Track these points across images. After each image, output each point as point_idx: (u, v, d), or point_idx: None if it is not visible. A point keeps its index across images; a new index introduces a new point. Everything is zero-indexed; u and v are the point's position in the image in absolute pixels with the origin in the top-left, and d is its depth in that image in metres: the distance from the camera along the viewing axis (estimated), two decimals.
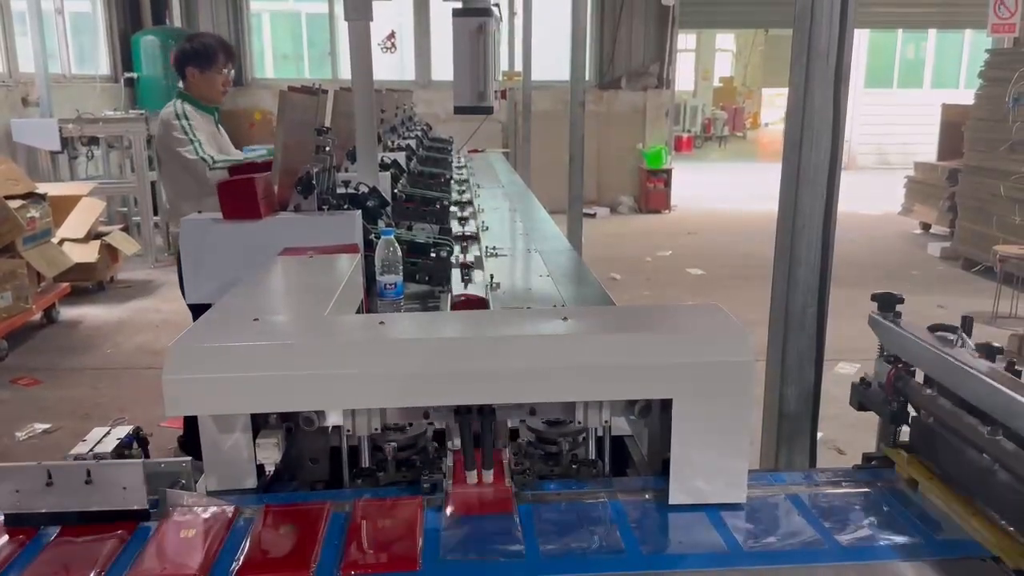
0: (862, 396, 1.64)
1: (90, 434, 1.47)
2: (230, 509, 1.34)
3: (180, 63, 3.96)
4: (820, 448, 2.24)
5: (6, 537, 1.28)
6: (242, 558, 1.21)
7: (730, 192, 13.80)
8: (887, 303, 1.62)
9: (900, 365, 1.55)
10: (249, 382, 1.27)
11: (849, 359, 4.76)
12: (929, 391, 1.47)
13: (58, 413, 4.63)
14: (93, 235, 7.02)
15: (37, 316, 6.12)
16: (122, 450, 1.41)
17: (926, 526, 1.32)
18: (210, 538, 1.26)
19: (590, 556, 1.23)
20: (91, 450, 1.40)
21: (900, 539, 1.28)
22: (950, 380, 1.39)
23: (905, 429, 1.56)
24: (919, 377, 1.54)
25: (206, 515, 1.32)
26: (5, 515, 1.31)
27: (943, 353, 1.40)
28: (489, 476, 1.44)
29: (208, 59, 3.91)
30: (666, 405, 1.37)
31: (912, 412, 1.54)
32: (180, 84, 4.08)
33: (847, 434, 4.16)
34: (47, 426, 4.46)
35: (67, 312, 6.54)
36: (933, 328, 1.51)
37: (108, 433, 1.47)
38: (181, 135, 3.75)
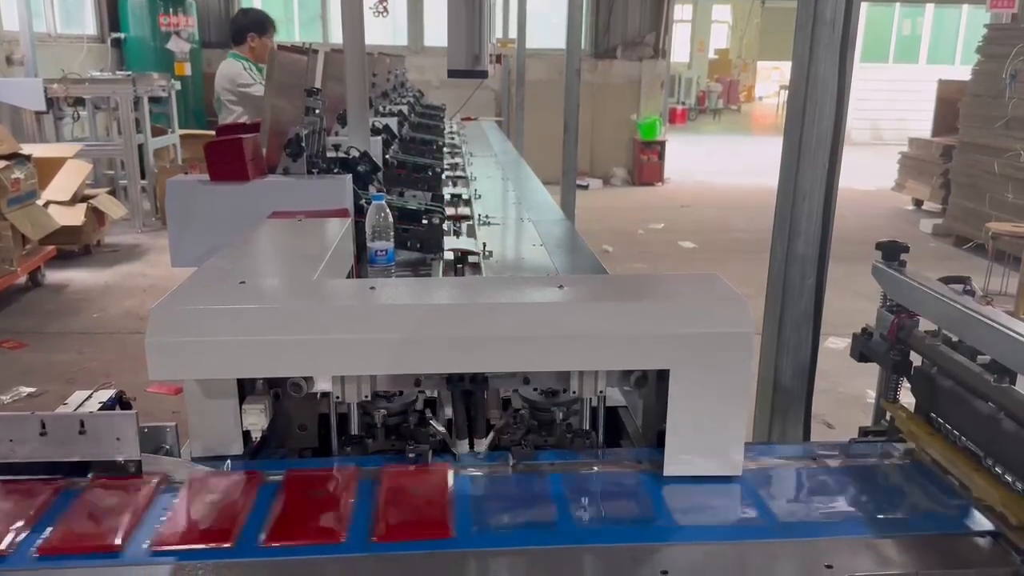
0: (863, 346, 1.63)
1: (72, 397, 1.44)
2: (253, 474, 1.32)
3: (241, 30, 5.04)
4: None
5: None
6: (268, 523, 1.19)
7: (724, 165, 13.76)
8: (891, 251, 1.61)
9: (903, 314, 1.54)
10: (234, 346, 1.23)
11: (839, 334, 4.77)
12: (933, 340, 1.46)
13: (43, 377, 4.58)
14: (79, 198, 6.93)
15: (22, 279, 6.05)
16: None
17: (925, 501, 1.30)
18: (237, 502, 1.24)
19: (580, 528, 1.21)
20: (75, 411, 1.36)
21: (898, 514, 1.27)
22: (959, 327, 1.38)
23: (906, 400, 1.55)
24: (922, 328, 1.53)
25: (228, 480, 1.31)
26: None
27: (952, 301, 1.39)
28: (482, 445, 1.42)
29: (264, 27, 5.06)
30: (662, 376, 1.34)
31: (915, 363, 1.53)
32: (233, 49, 5.15)
33: (836, 409, 4.19)
34: (32, 390, 4.42)
35: (53, 275, 6.47)
36: (944, 280, 1.50)
37: (90, 396, 1.43)
38: (249, 80, 4.84)
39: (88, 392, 1.44)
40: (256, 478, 1.31)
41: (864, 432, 1.59)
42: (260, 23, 5.09)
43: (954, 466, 1.35)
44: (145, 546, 1.14)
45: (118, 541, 1.14)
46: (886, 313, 1.60)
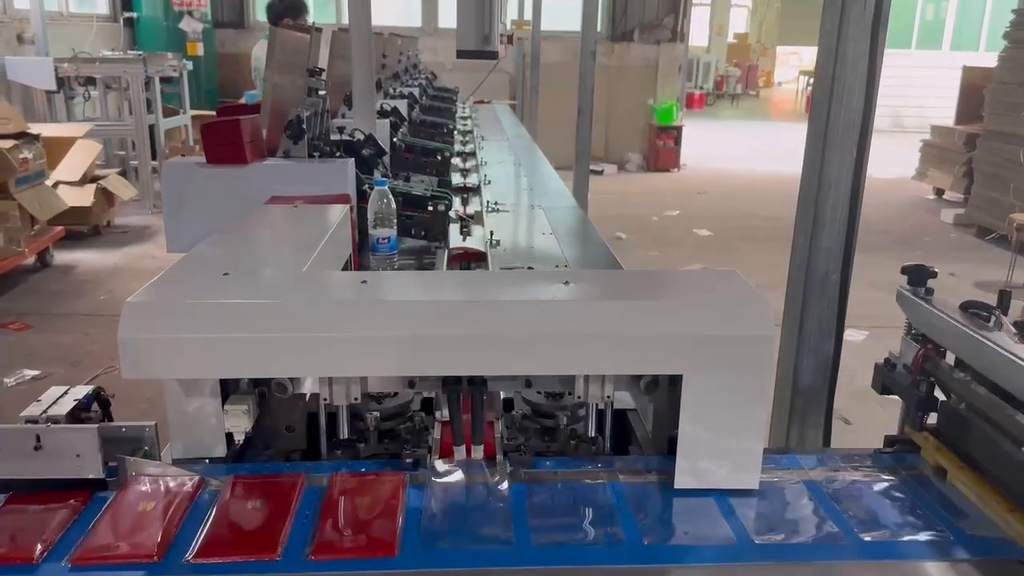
0: (886, 378, 1.50)
1: (46, 394, 1.35)
2: (194, 480, 1.22)
3: (278, 14, 5.21)
4: None
5: None
6: (203, 535, 1.10)
7: (741, 152, 13.56)
8: (918, 277, 1.47)
9: (929, 346, 1.41)
10: (213, 344, 1.14)
11: (857, 326, 4.64)
12: (962, 375, 1.34)
13: (48, 359, 4.53)
14: (89, 178, 6.87)
15: (30, 260, 6.01)
16: (79, 412, 1.29)
17: (957, 521, 1.20)
18: (170, 512, 1.15)
19: (585, 546, 1.11)
20: (44, 411, 1.27)
21: (928, 535, 1.16)
22: (986, 365, 1.26)
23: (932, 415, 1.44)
24: (950, 359, 1.40)
25: (167, 486, 1.21)
26: None
27: (978, 335, 1.27)
28: (479, 452, 1.33)
29: (298, 11, 5.29)
30: (675, 380, 1.24)
31: (941, 397, 1.41)
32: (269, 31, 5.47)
33: (853, 403, 4.07)
34: (36, 372, 4.37)
35: (61, 256, 6.43)
36: (966, 305, 1.37)
37: (66, 393, 1.34)
38: None
39: (63, 388, 1.36)
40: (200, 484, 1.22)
41: (889, 442, 1.47)
42: (295, 7, 5.32)
43: (987, 505, 1.23)
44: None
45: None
46: (911, 342, 1.46)
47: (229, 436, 1.31)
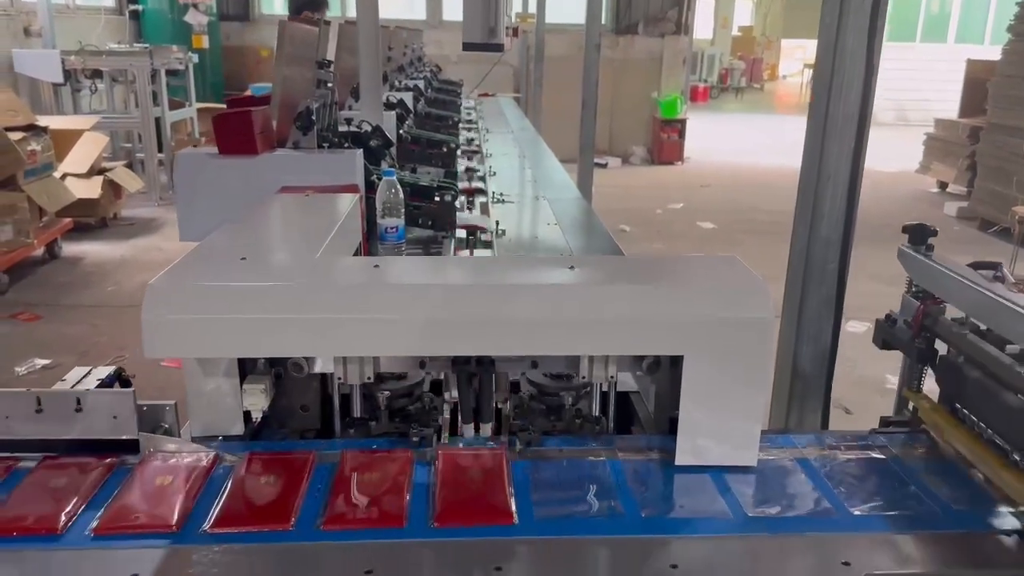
0: (887, 333, 1.57)
1: (70, 374, 1.41)
2: (209, 456, 1.27)
3: (299, 7, 5.43)
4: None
5: None
6: (219, 507, 1.15)
7: (745, 145, 13.56)
8: (919, 235, 1.54)
9: (930, 301, 1.48)
10: (232, 325, 1.19)
11: (859, 318, 4.68)
12: (961, 328, 1.40)
13: (58, 349, 4.59)
14: (96, 171, 6.92)
15: (39, 251, 6.06)
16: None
17: (947, 496, 1.25)
18: (188, 485, 1.20)
19: (586, 519, 1.16)
20: (73, 388, 1.33)
21: (918, 510, 1.21)
22: (988, 316, 1.31)
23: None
24: (949, 315, 1.47)
25: (185, 461, 1.26)
26: None
27: (982, 287, 1.32)
28: (487, 430, 1.38)
29: (318, 4, 5.50)
30: (676, 361, 1.29)
31: (940, 352, 1.47)
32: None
33: (853, 393, 4.12)
34: (47, 362, 4.43)
35: (69, 248, 6.48)
36: (974, 265, 1.43)
37: (89, 373, 1.40)
38: None
39: (87, 368, 1.41)
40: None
41: (885, 422, 1.53)
42: (315, 1, 5.49)
43: (980, 460, 1.29)
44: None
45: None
46: (911, 299, 1.53)
47: (246, 415, 1.36)
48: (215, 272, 1.29)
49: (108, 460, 1.24)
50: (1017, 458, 1.24)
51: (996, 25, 14.96)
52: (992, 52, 9.47)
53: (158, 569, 1.03)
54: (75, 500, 1.15)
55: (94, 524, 1.11)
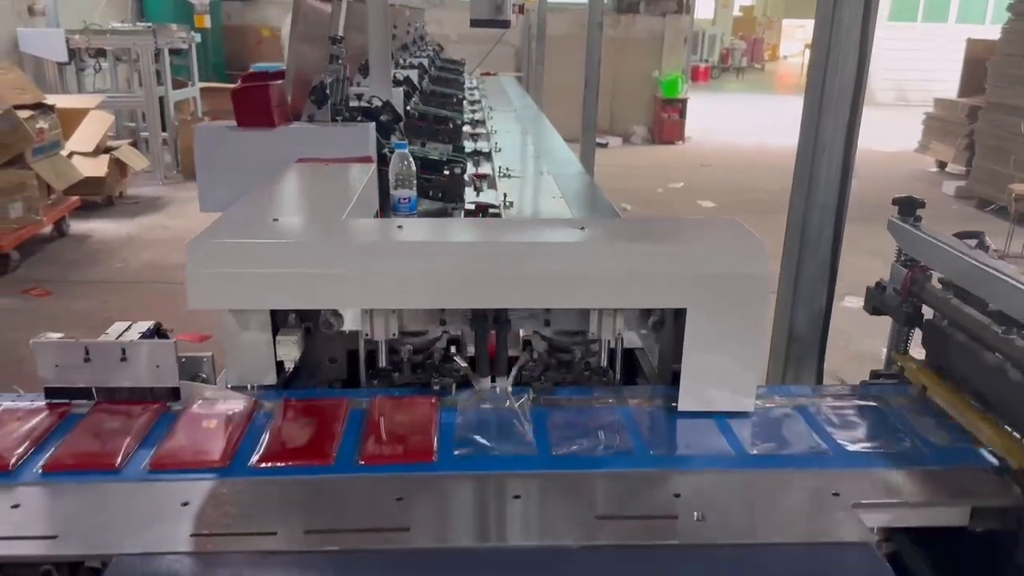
0: (877, 300, 1.67)
1: (111, 328, 1.50)
2: (249, 401, 1.37)
3: None
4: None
5: (46, 409, 1.35)
6: (263, 446, 1.25)
7: (746, 125, 13.59)
8: (908, 207, 1.64)
9: (917, 269, 1.58)
10: (268, 278, 1.29)
11: (856, 294, 4.78)
12: (945, 292, 1.50)
13: (68, 324, 4.68)
14: (102, 149, 6.99)
15: (47, 229, 6.15)
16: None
17: (933, 437, 1.35)
18: (232, 427, 1.30)
19: (598, 455, 1.26)
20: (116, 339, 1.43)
21: (904, 448, 1.31)
22: (969, 280, 1.41)
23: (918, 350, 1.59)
24: (935, 283, 1.56)
25: (227, 405, 1.36)
26: (46, 388, 1.38)
27: (964, 254, 1.42)
28: (504, 382, 1.48)
29: None
30: (679, 318, 1.38)
31: (926, 317, 1.57)
32: None
33: (850, 366, 4.21)
34: (60, 335, 4.51)
35: (77, 226, 6.57)
36: (956, 235, 1.53)
37: (129, 327, 1.50)
38: None
39: (127, 323, 1.51)
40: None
41: (875, 375, 1.63)
42: None
43: (961, 414, 1.39)
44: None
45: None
46: (900, 268, 1.63)
47: (279, 366, 1.46)
48: (252, 231, 1.39)
49: (155, 405, 1.34)
50: (995, 412, 1.33)
51: (997, 5, 14.94)
52: (992, 32, 9.49)
53: (209, 496, 1.13)
54: (128, 440, 1.25)
55: (148, 460, 1.21)
